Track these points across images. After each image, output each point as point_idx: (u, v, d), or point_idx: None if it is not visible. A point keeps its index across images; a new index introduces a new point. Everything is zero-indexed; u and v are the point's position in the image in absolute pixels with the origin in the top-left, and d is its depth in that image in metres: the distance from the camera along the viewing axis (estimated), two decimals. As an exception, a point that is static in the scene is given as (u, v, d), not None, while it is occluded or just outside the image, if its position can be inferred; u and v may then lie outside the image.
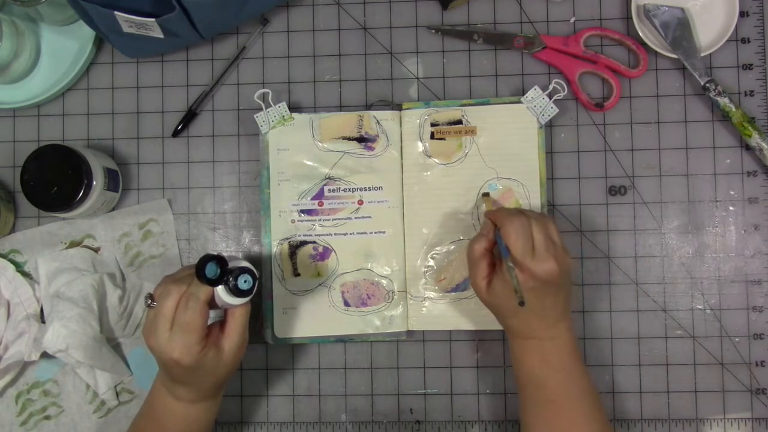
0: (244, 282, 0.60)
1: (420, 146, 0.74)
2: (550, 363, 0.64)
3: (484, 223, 0.66)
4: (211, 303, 0.61)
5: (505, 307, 0.64)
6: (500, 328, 0.73)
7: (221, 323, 0.64)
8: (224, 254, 0.61)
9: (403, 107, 0.75)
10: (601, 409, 0.65)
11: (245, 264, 0.62)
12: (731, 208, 0.74)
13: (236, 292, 0.60)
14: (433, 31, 0.76)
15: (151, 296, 0.62)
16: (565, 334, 0.64)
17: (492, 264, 0.65)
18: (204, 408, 0.65)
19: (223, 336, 0.63)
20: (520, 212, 0.63)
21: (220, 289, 0.60)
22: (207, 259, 0.59)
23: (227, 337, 0.62)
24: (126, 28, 0.69)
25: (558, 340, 0.64)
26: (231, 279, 0.60)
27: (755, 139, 0.72)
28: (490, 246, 0.65)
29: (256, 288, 0.61)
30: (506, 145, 0.74)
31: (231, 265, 0.61)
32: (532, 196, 0.73)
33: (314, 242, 0.75)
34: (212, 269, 0.59)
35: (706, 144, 0.74)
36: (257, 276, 0.61)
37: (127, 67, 0.78)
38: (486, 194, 0.73)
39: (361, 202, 0.75)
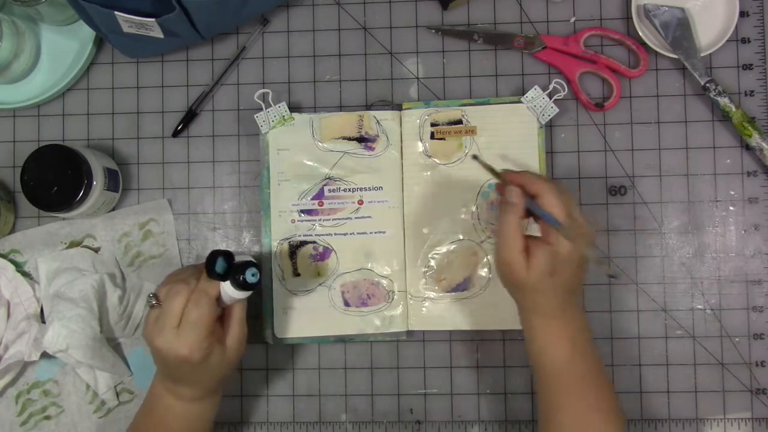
0: (252, 275, 0.60)
1: (420, 146, 0.74)
2: (577, 344, 0.60)
3: (509, 189, 0.57)
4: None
5: (547, 284, 0.57)
6: (500, 327, 0.73)
7: (219, 320, 0.64)
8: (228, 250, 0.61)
9: (403, 107, 0.75)
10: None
11: (248, 258, 0.62)
12: (731, 208, 0.74)
13: (243, 285, 0.60)
14: (433, 31, 0.76)
15: (155, 296, 0.62)
16: (581, 311, 0.61)
17: (525, 236, 0.57)
18: (205, 405, 0.66)
19: (224, 331, 0.63)
20: (544, 177, 0.59)
21: (226, 284, 0.61)
22: (216, 254, 0.59)
23: (229, 332, 0.63)
24: (126, 28, 0.69)
25: (580, 318, 0.61)
26: (238, 273, 0.60)
27: (755, 139, 0.72)
28: (524, 216, 0.57)
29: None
30: (506, 145, 0.74)
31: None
32: (532, 196, 0.73)
33: (314, 242, 0.75)
34: (221, 265, 0.60)
35: (706, 144, 0.74)
36: (261, 268, 0.61)
37: (127, 67, 0.78)
38: (475, 156, 0.63)
39: (361, 202, 0.75)
